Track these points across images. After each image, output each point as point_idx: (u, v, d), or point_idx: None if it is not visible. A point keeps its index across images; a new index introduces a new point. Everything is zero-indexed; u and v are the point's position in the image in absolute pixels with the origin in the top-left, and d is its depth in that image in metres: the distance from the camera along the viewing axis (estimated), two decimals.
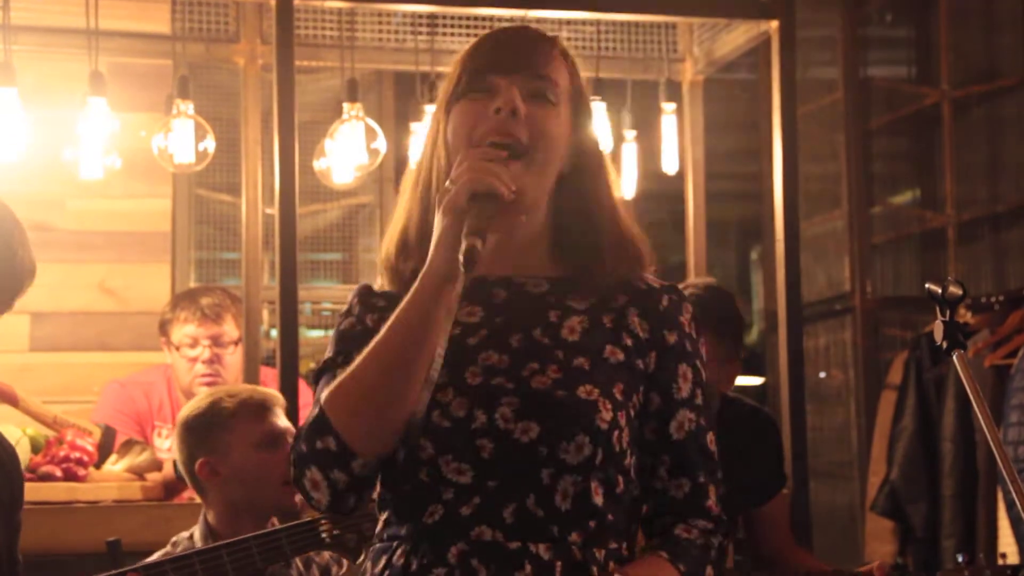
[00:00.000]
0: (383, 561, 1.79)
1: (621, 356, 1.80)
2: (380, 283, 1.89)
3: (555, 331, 1.80)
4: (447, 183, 1.72)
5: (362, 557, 2.76)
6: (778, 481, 3.67)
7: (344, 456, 1.72)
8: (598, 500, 1.76)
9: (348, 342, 1.82)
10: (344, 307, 1.90)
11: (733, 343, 3.52)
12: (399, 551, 1.77)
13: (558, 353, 1.78)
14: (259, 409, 3.00)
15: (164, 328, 4.41)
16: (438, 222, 1.70)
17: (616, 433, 1.76)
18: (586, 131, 1.88)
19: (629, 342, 1.82)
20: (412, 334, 1.70)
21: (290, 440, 3.01)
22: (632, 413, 1.80)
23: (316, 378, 1.85)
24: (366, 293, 1.88)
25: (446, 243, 1.68)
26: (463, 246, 1.65)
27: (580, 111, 1.88)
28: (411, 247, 1.83)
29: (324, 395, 1.74)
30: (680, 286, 3.51)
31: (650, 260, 1.89)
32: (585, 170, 1.86)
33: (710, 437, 1.86)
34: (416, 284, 1.71)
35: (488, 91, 1.81)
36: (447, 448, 1.73)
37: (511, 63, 1.82)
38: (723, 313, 3.50)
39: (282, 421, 3.04)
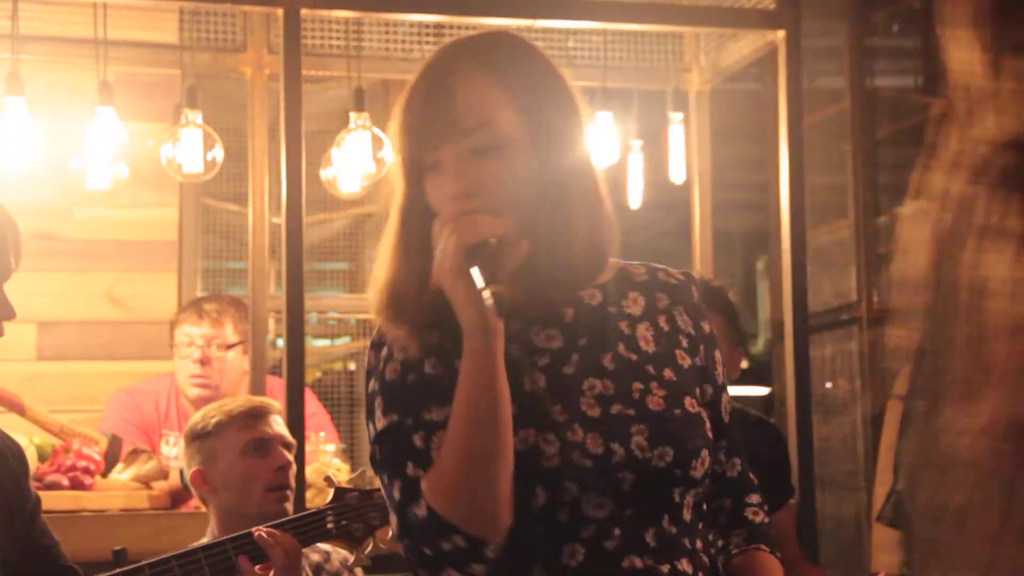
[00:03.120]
0: None
1: (688, 360, 1.83)
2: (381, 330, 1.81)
3: (635, 344, 1.80)
4: (437, 255, 1.68)
5: (369, 547, 2.78)
6: (785, 492, 3.67)
7: (476, 548, 1.67)
8: (704, 505, 1.83)
9: (407, 397, 1.74)
10: (374, 352, 1.80)
11: (737, 329, 3.57)
12: None
13: (649, 368, 1.78)
14: (246, 417, 3.03)
15: (171, 331, 4.44)
16: (447, 291, 1.67)
17: (714, 439, 1.82)
18: (545, 149, 1.75)
19: (686, 343, 1.84)
20: (488, 400, 1.65)
21: (281, 447, 3.04)
22: None
23: (380, 448, 1.74)
24: (384, 344, 1.79)
25: (466, 305, 1.65)
26: (488, 297, 1.61)
27: (536, 126, 1.76)
28: (410, 296, 1.76)
29: (429, 497, 1.67)
30: None
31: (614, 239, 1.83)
32: (550, 184, 1.76)
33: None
34: (466, 354, 1.66)
35: (437, 168, 1.75)
36: (590, 486, 1.70)
37: (442, 135, 1.73)
38: (726, 300, 3.55)
39: (274, 428, 3.06)
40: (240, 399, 3.15)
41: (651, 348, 1.80)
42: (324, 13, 4.36)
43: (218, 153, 4.31)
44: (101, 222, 4.92)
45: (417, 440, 1.71)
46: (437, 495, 1.67)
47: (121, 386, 4.58)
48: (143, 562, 2.62)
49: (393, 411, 1.74)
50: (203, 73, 4.66)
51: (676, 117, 4.89)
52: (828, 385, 6.02)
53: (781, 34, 4.44)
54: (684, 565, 1.74)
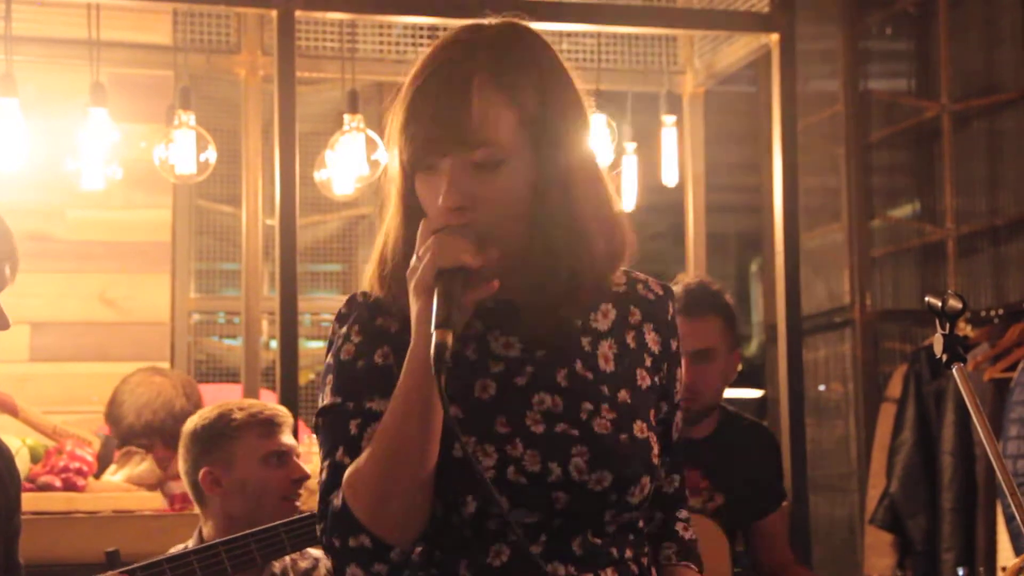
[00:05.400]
0: None
1: (648, 380, 1.81)
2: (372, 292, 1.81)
3: (594, 363, 1.78)
4: (414, 260, 1.65)
5: None
6: (778, 495, 3.67)
7: (380, 550, 1.68)
8: (639, 521, 1.82)
9: (354, 382, 1.75)
10: (338, 324, 1.80)
11: (735, 333, 3.56)
12: None
13: (603, 389, 1.77)
14: (268, 425, 2.97)
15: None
16: (412, 304, 1.65)
17: (659, 461, 1.81)
18: (547, 153, 1.74)
19: (649, 362, 1.83)
20: (416, 418, 1.65)
21: (296, 458, 3.01)
22: None
23: (321, 425, 1.76)
24: (365, 315, 1.79)
25: (419, 323, 1.63)
26: (433, 341, 1.58)
27: (538, 132, 1.75)
28: (396, 265, 1.75)
29: (345, 490, 1.68)
30: (675, 283, 3.55)
31: (628, 254, 1.80)
32: (553, 186, 1.74)
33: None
34: (405, 370, 1.65)
35: (433, 170, 1.71)
36: (523, 503, 1.71)
37: (445, 143, 1.69)
38: (724, 303, 3.53)
39: (289, 439, 3.02)
40: (256, 404, 3.06)
41: (610, 367, 1.78)
42: (318, 15, 4.36)
43: (211, 154, 4.31)
44: (94, 223, 4.92)
45: (352, 427, 1.72)
46: (352, 491, 1.68)
47: (113, 386, 4.56)
48: (135, 565, 2.61)
49: (339, 392, 1.75)
50: (196, 74, 4.66)
51: (670, 120, 4.89)
52: (821, 388, 6.03)
53: (775, 37, 4.44)
54: (608, 574, 1.75)
